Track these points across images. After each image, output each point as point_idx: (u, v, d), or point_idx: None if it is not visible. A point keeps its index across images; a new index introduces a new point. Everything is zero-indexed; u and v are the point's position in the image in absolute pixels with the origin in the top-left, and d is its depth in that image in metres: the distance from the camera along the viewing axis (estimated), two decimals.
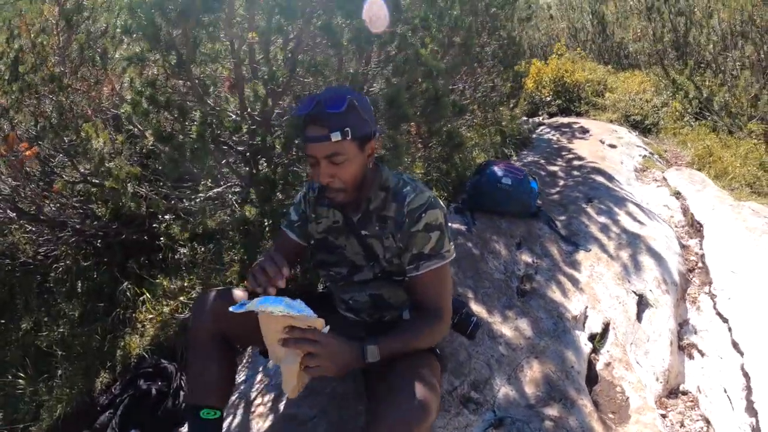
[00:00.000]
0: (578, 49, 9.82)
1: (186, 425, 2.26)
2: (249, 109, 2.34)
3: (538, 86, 8.15)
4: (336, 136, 1.46)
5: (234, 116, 2.35)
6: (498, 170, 3.28)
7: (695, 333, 2.86)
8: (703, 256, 3.47)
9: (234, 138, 2.44)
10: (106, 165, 2.59)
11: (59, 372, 3.37)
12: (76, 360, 3.41)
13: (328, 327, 1.38)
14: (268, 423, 1.96)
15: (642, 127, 7.34)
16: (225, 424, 2.05)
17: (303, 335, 1.34)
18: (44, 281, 4.29)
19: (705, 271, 3.33)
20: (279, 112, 2.44)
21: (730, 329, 2.72)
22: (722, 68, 7.20)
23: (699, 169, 5.40)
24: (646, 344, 2.60)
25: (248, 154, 2.53)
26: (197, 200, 2.57)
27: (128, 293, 3.48)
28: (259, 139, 2.27)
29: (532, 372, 2.12)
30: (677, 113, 7.27)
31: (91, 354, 3.41)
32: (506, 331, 2.31)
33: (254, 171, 2.49)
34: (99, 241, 4.01)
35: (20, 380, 3.43)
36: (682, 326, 2.91)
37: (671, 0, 7.99)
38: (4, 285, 4.46)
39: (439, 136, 3.06)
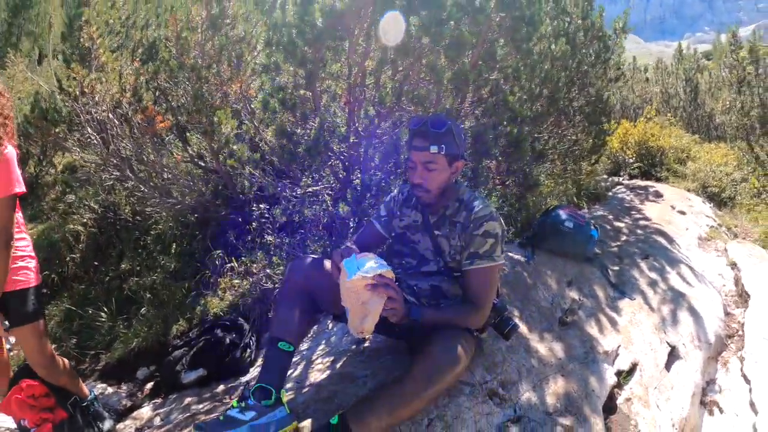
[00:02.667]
0: (669, 114, 9.88)
1: (261, 355, 2.64)
2: (357, 124, 2.80)
3: (623, 147, 8.30)
4: (433, 149, 1.98)
5: (343, 128, 2.82)
6: (563, 213, 3.59)
7: (719, 392, 3.05)
8: (744, 324, 3.63)
9: (340, 146, 2.90)
10: (231, 146, 3.10)
11: (142, 311, 3.90)
12: (159, 306, 3.95)
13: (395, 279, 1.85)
14: (324, 376, 2.38)
15: (718, 199, 7.37)
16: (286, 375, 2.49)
17: (390, 283, 1.80)
18: (140, 238, 4.92)
19: (743, 338, 3.49)
20: (381, 131, 2.87)
21: (750, 390, 2.91)
22: None
23: (764, 247, 5.44)
24: (669, 391, 2.82)
25: (347, 162, 2.98)
26: (297, 192, 3.03)
27: (217, 261, 3.98)
28: (362, 150, 2.71)
29: (556, 386, 2.42)
30: (755, 190, 7.26)
31: (173, 304, 3.93)
32: (541, 348, 2.62)
33: (350, 177, 2.93)
34: (197, 215, 4.58)
35: (102, 314, 3.98)
36: (709, 384, 3.11)
37: (763, 74, 7.96)
38: (102, 234, 5.15)
39: (515, 176, 3.41)
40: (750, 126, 8.18)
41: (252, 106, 3.26)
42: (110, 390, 3.46)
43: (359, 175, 3.02)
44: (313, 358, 2.66)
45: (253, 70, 3.66)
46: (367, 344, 2.55)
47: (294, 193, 3.03)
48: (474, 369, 2.26)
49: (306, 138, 2.68)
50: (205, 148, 4.06)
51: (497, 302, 2.20)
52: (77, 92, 4.41)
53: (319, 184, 3.10)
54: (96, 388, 3.37)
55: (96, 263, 4.95)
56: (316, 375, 2.42)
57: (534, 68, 3.70)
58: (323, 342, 2.87)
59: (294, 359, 2.74)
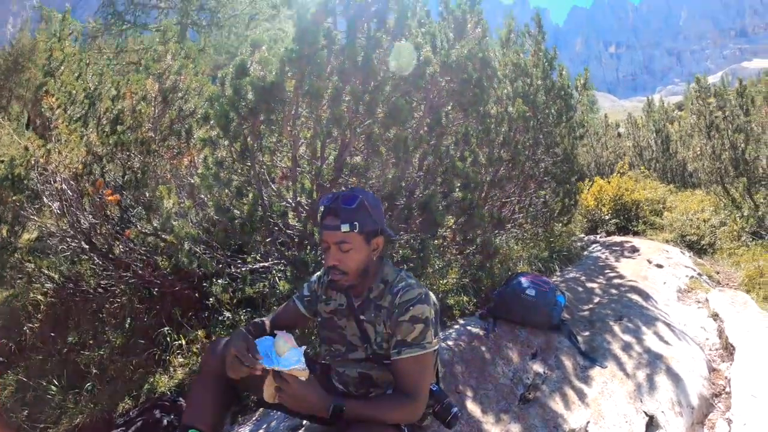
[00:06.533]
0: (642, 167, 9.95)
1: None
2: (299, 198, 2.69)
3: (599, 204, 8.27)
4: (345, 228, 1.82)
5: (287, 203, 2.70)
6: (524, 281, 3.43)
7: None
8: (730, 380, 3.40)
9: (283, 222, 2.78)
10: (172, 222, 2.98)
11: (88, 386, 3.72)
12: (107, 382, 3.77)
13: (307, 377, 1.72)
14: None
15: (698, 247, 7.26)
16: None
17: (279, 377, 1.69)
18: (98, 311, 4.74)
19: (730, 395, 3.26)
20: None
21: None
22: None
23: (748, 291, 5.27)
24: None
25: (296, 238, 2.86)
26: (244, 269, 2.89)
27: (168, 337, 3.80)
28: (301, 226, 2.59)
29: None
30: (734, 233, 7.18)
31: (121, 381, 3.75)
32: None
33: (297, 253, 2.80)
34: (156, 289, 4.43)
35: (53, 387, 3.80)
36: None
37: (730, 117, 8.02)
38: (62, 305, 4.97)
39: (473, 245, 3.27)
40: (723, 169, 8.20)
41: (192, 181, 3.16)
42: None
43: (309, 252, 2.88)
44: None
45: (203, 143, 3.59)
46: (302, 430, 2.35)
47: (240, 271, 2.88)
48: None
49: (240, 215, 2.56)
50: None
51: (436, 388, 2.00)
52: (39, 161, 4.34)
53: (269, 260, 2.97)
54: None
55: (53, 334, 4.76)
56: None
57: (488, 132, 3.63)
58: (263, 426, 2.67)
59: None
